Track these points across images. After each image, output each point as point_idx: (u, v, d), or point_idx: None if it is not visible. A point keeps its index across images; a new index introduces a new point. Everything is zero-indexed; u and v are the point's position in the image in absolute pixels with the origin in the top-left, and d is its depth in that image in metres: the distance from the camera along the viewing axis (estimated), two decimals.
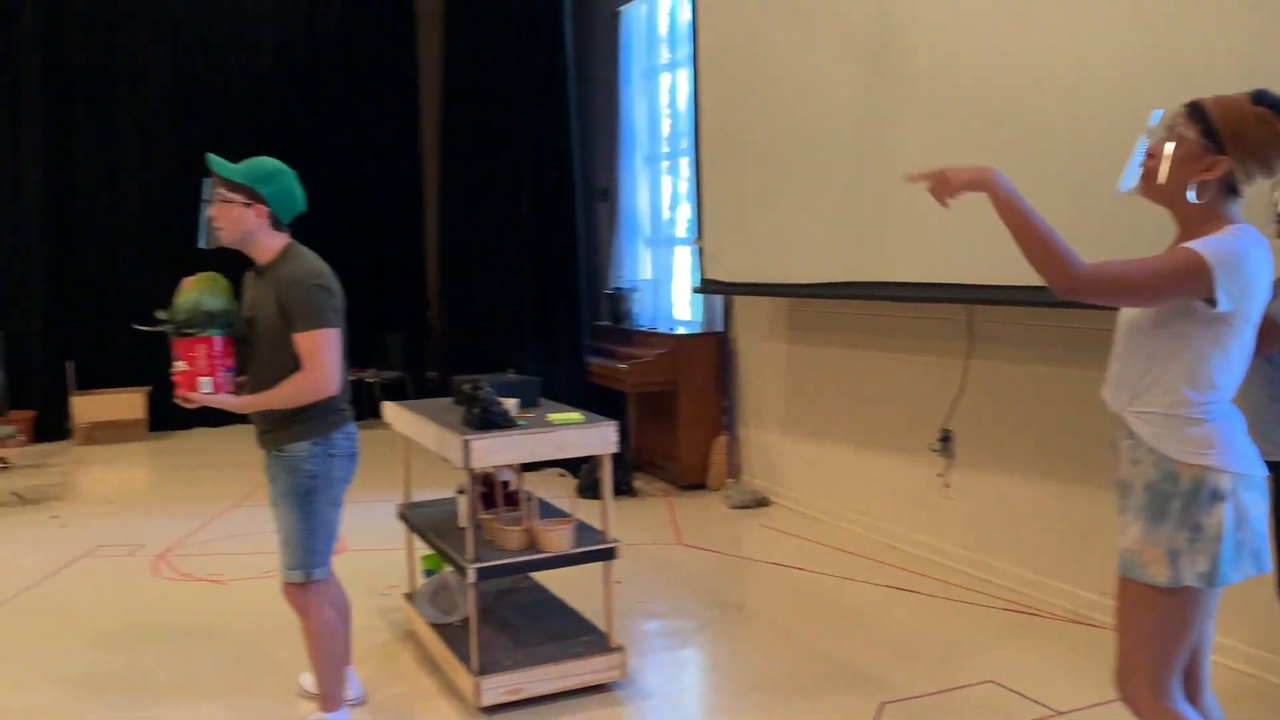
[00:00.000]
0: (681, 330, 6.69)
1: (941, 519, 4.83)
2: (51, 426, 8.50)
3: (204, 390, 2.82)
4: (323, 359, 2.84)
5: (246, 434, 9.75)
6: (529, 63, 7.18)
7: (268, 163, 2.95)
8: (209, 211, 2.91)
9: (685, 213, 6.95)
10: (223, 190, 2.88)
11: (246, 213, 2.88)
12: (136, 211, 8.85)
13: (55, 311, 8.65)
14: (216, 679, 3.67)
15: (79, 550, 5.36)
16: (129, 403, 8.53)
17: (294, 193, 2.96)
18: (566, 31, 7.02)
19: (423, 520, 3.86)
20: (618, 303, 7.24)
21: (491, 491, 3.78)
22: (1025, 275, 3.92)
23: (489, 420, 3.32)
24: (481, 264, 7.65)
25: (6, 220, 8.50)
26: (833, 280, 4.89)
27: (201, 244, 2.92)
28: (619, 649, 3.48)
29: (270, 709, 3.39)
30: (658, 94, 7.27)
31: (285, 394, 2.85)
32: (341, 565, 4.54)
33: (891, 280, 4.57)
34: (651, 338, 6.65)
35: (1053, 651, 3.74)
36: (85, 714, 3.40)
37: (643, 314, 7.27)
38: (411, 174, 9.56)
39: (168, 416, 8.77)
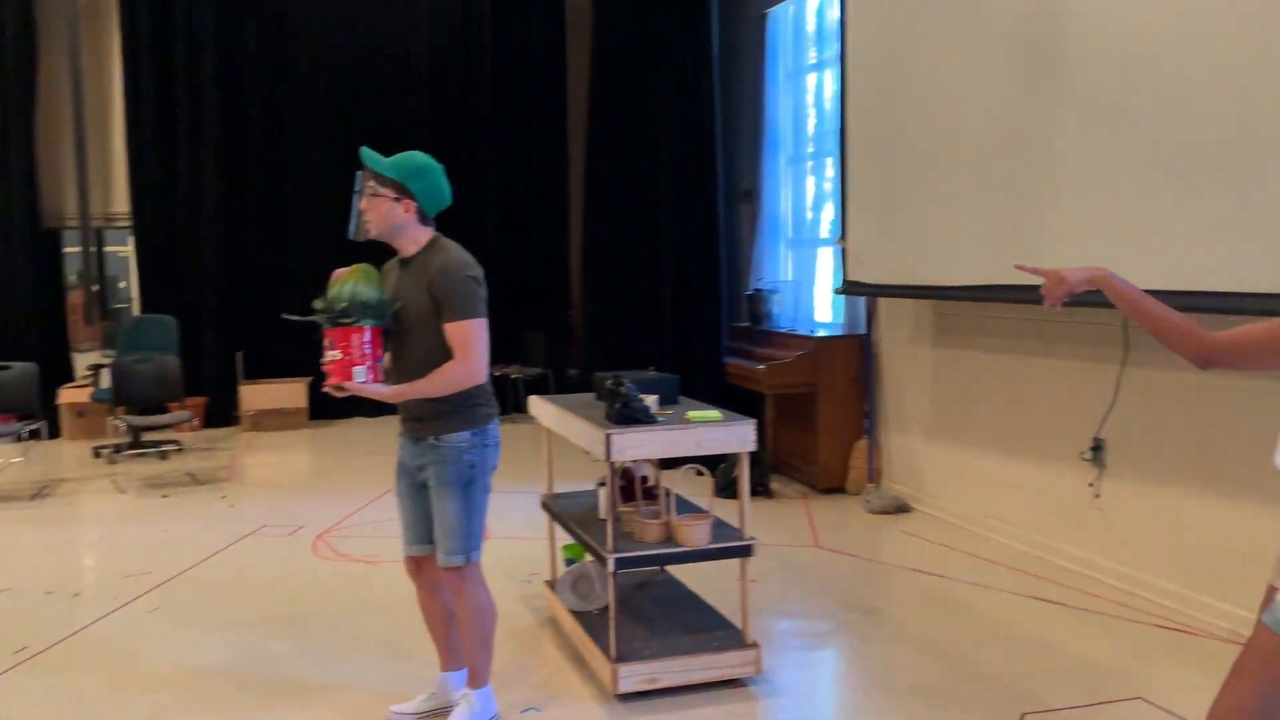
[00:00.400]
0: (822, 332, 6.65)
1: (1091, 531, 4.68)
2: (221, 413, 9.06)
3: (358, 379, 2.87)
4: (474, 348, 2.91)
5: (397, 425, 10.16)
6: (675, 64, 7.26)
7: (418, 158, 3.00)
8: (360, 204, 3.02)
9: (829, 213, 6.91)
10: (374, 184, 2.95)
11: (396, 207, 2.95)
12: (301, 212, 9.34)
13: (227, 305, 9.20)
14: (371, 650, 3.87)
15: (246, 528, 5.71)
16: (292, 392, 9.01)
17: (441, 188, 3.03)
18: (713, 33, 7.07)
19: (565, 511, 3.97)
20: (757, 304, 7.25)
21: (630, 485, 3.87)
22: (1183, 280, 3.79)
23: (630, 415, 3.40)
24: (623, 264, 7.77)
25: (186, 221, 9.09)
26: (983, 283, 4.80)
27: (351, 235, 3.07)
28: (754, 645, 3.51)
29: (421, 676, 3.55)
30: (804, 94, 7.25)
31: (437, 383, 2.92)
32: (487, 553, 4.72)
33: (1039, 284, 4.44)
34: (791, 339, 6.64)
35: (1207, 671, 3.58)
36: (254, 676, 3.64)
37: (782, 315, 7.26)
38: (558, 175, 9.79)
39: (327, 406, 9.24)
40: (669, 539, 3.49)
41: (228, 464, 7.53)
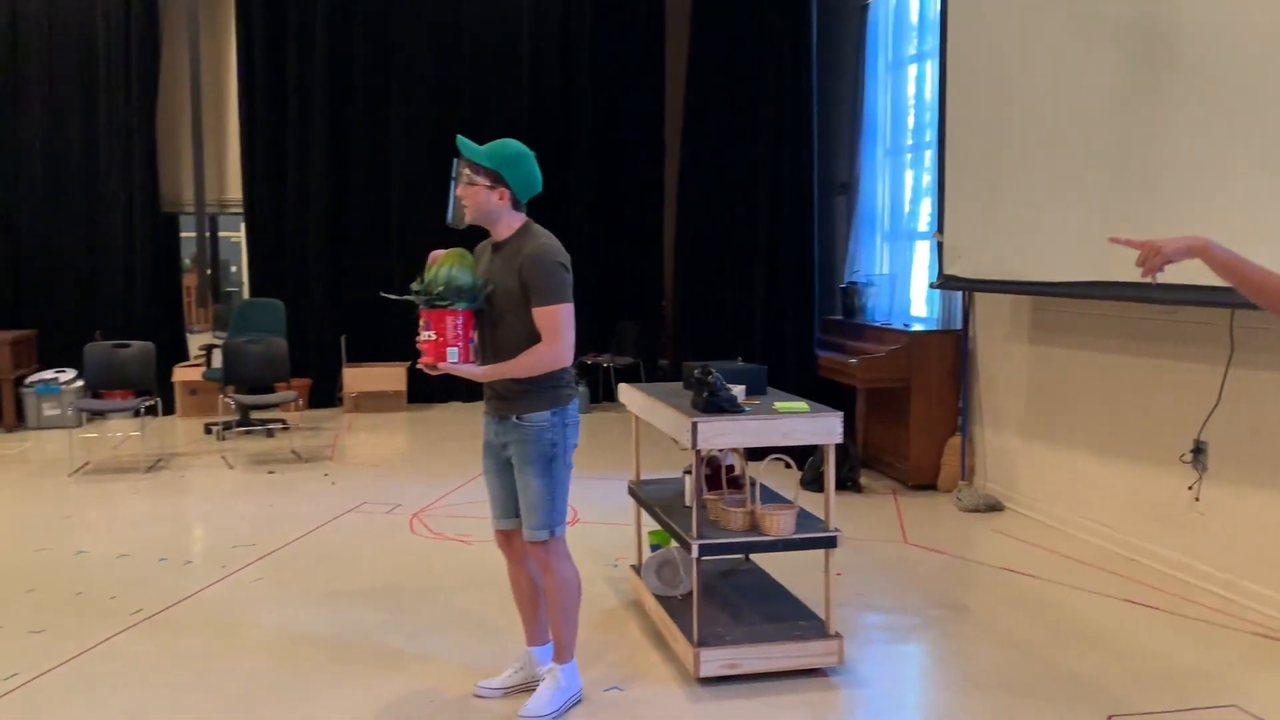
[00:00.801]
0: (917, 327, 6.59)
1: (1189, 535, 4.56)
2: (324, 394, 9.38)
3: (450, 359, 2.99)
4: (562, 332, 3.01)
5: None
6: (774, 56, 7.24)
7: (511, 146, 3.09)
8: (456, 191, 3.13)
9: (926, 207, 6.83)
10: (469, 172, 3.05)
11: (490, 194, 3.05)
12: (403, 199, 9.58)
13: (331, 290, 9.51)
14: (462, 625, 4.00)
15: (347, 505, 5.93)
16: (392, 375, 9.27)
17: (534, 176, 3.11)
18: (813, 24, 7.03)
19: (651, 497, 4.04)
20: (851, 297, 7.21)
21: (716, 474, 3.91)
22: None
23: (716, 404, 3.45)
24: (716, 255, 7.79)
25: (294, 207, 9.41)
26: (1086, 279, 4.70)
27: (449, 221, 3.18)
28: (837, 636, 3.53)
29: (509, 654, 3.65)
30: (904, 86, 7.18)
31: (526, 364, 3.02)
32: (576, 536, 4.81)
33: (1149, 280, 4.34)
34: (885, 333, 6.59)
35: None
36: (349, 645, 3.80)
37: (876, 309, 7.20)
38: (653, 166, 9.84)
39: (424, 390, 9.50)
40: (753, 527, 3.53)
41: (330, 443, 7.79)
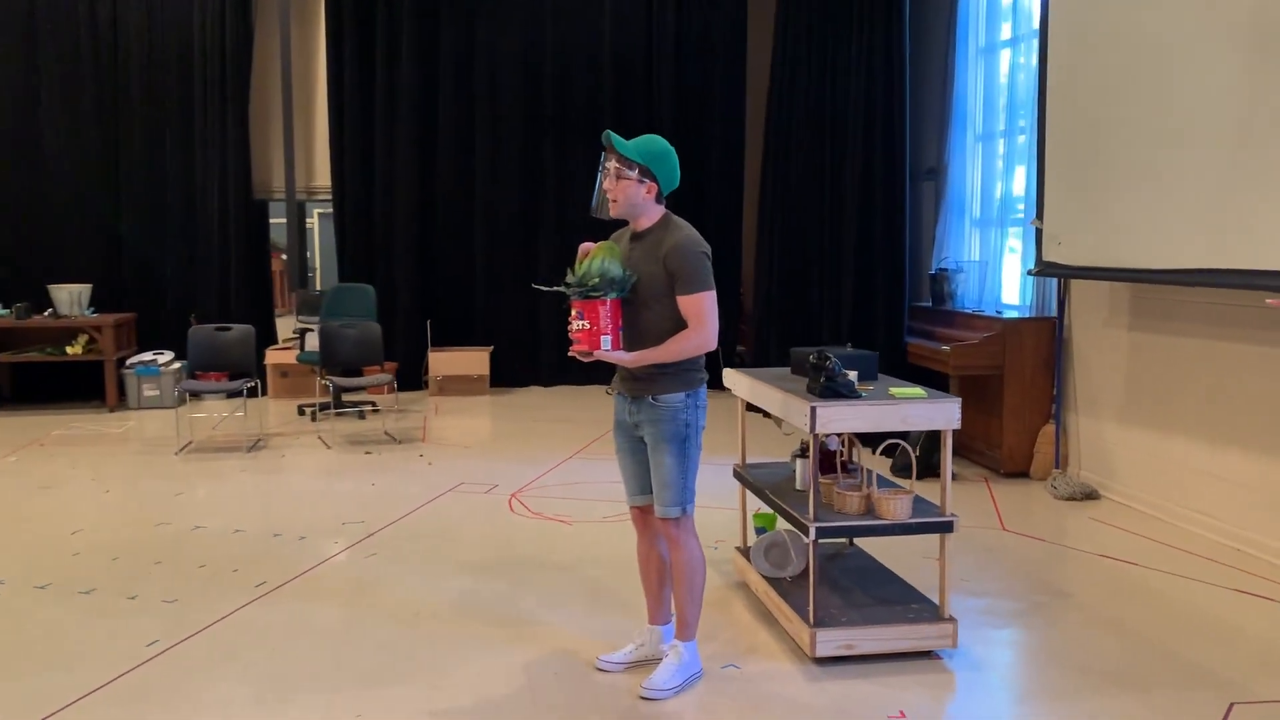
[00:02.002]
0: (1009, 314, 6.55)
1: None
2: (410, 378, 9.57)
3: (604, 347, 3.11)
4: (709, 319, 3.13)
5: (572, 394, 10.41)
6: (864, 41, 7.23)
7: (659, 142, 3.22)
8: (605, 184, 3.23)
9: (1019, 193, 6.78)
10: (620, 166, 3.16)
11: (639, 188, 3.17)
12: (486, 189, 9.72)
13: (418, 275, 9.68)
14: (577, 601, 4.10)
15: (446, 485, 6.07)
16: (476, 360, 9.43)
17: (677, 171, 3.25)
18: (905, 9, 7.00)
19: (759, 481, 4.10)
20: (940, 283, 7.19)
21: (826, 459, 3.96)
22: None
23: (833, 389, 3.49)
24: (800, 243, 7.81)
25: (382, 195, 9.60)
26: (1195, 266, 4.66)
27: (595, 213, 3.26)
28: (951, 619, 3.57)
29: (624, 631, 3.75)
30: (996, 71, 7.12)
31: (675, 349, 3.14)
32: None
33: (1258, 269, 4.30)
34: (976, 320, 6.57)
35: None
36: (472, 615, 3.92)
37: (965, 295, 7.17)
38: (732, 153, 9.84)
39: (507, 374, 9.65)
40: (868, 511, 3.58)
41: (420, 425, 7.97)
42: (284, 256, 12.29)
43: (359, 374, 8.49)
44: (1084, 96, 5.44)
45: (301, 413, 8.42)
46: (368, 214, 9.65)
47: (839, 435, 4.09)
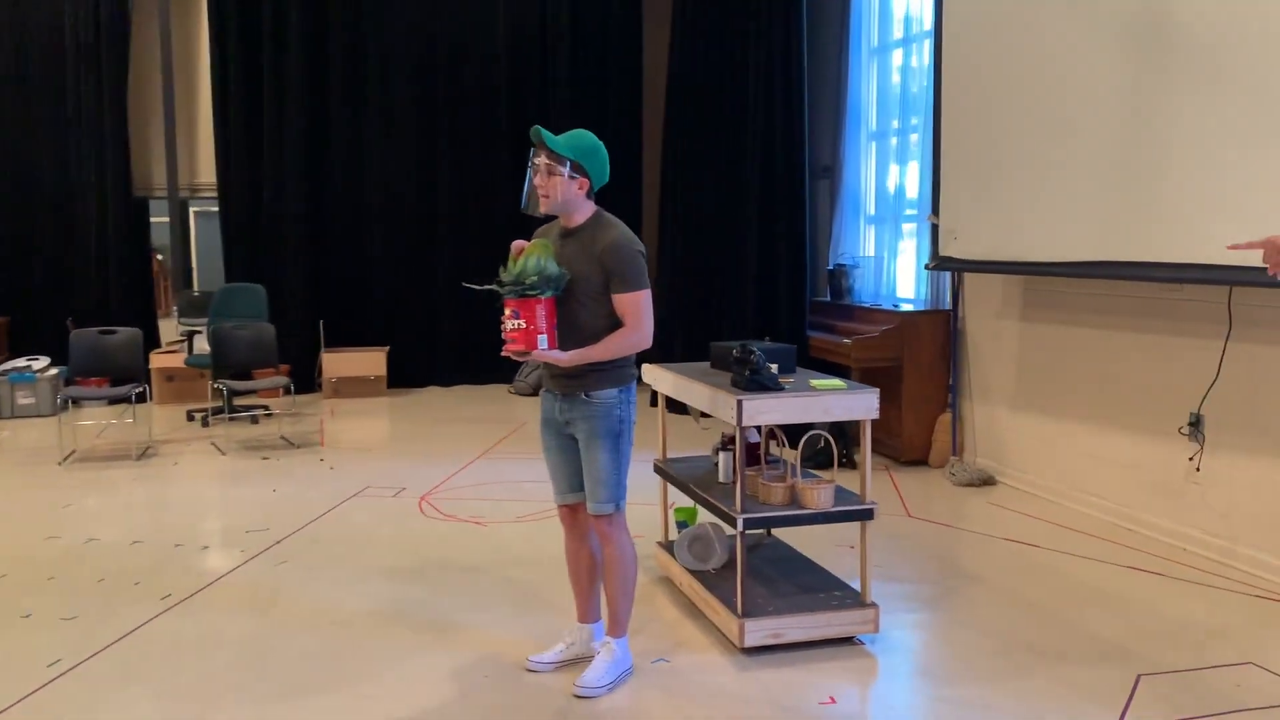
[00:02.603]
0: (906, 307, 6.74)
1: (1186, 504, 4.77)
2: (303, 380, 9.31)
3: (541, 346, 3.07)
4: (645, 316, 3.14)
5: (473, 393, 10.24)
6: (764, 40, 7.33)
7: (589, 137, 3.20)
8: (535, 180, 3.18)
9: (913, 189, 6.98)
10: (551, 162, 3.12)
11: (571, 184, 3.14)
12: (379, 186, 9.53)
13: (309, 274, 9.43)
14: (500, 602, 4.06)
15: (351, 489, 5.93)
16: (372, 360, 9.24)
17: (607, 167, 3.23)
18: (803, 6, 7.12)
19: (681, 475, 4.12)
20: (838, 279, 7.35)
21: (749, 451, 4.01)
22: None
23: (759, 382, 3.54)
24: (701, 239, 7.88)
25: (270, 191, 9.32)
26: (1087, 259, 4.87)
27: (524, 209, 3.23)
28: (873, 605, 3.66)
29: (551, 630, 3.72)
30: (889, 70, 7.31)
31: (612, 347, 3.14)
32: None
33: (1151, 260, 4.53)
34: (875, 314, 6.74)
35: None
36: (394, 620, 3.84)
37: (863, 290, 7.35)
38: (632, 146, 9.85)
39: (404, 374, 9.48)
40: (793, 501, 3.64)
41: (317, 429, 7.76)
42: (159, 257, 11.82)
43: (250, 377, 8.24)
44: (977, 94, 5.64)
45: (191, 418, 8.11)
46: (255, 211, 9.36)
47: (758, 428, 4.15)
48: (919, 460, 6.49)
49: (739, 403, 3.44)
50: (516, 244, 3.22)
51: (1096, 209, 4.82)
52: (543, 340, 3.08)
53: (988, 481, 6.02)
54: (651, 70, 9.72)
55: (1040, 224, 5.18)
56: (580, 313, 3.17)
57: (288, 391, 7.33)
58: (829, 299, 7.45)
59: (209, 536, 5.04)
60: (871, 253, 7.58)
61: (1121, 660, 3.52)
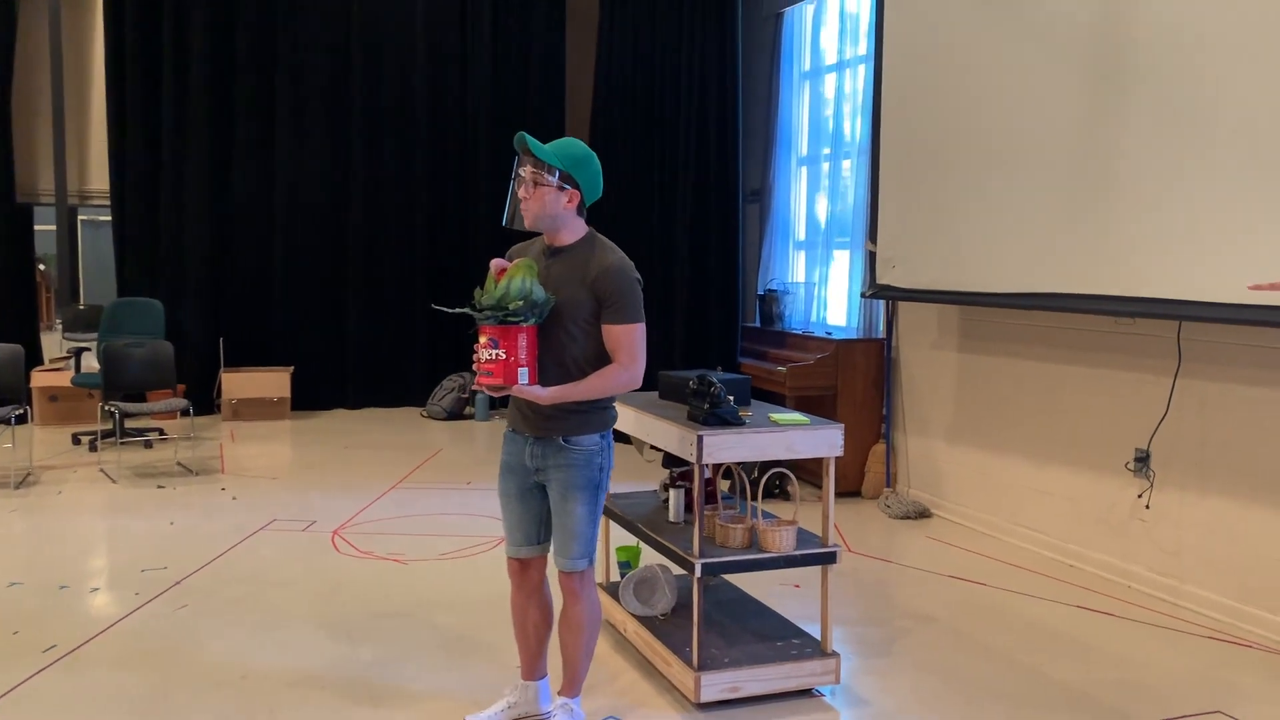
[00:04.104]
0: (837, 336, 6.61)
1: (1131, 540, 4.70)
2: (201, 401, 8.77)
3: (522, 380, 2.73)
4: (640, 352, 2.82)
5: (383, 417, 9.85)
6: (698, 57, 7.17)
7: (579, 146, 2.86)
8: (519, 192, 2.83)
9: (846, 216, 6.88)
10: (536, 171, 2.79)
11: (560, 196, 2.81)
12: (287, 197, 9.07)
13: (210, 290, 8.91)
14: (430, 652, 3.73)
15: (256, 522, 5.51)
16: (276, 381, 8.76)
17: (600, 179, 2.90)
18: (738, 32, 6.97)
19: (628, 513, 3.86)
20: (769, 304, 7.20)
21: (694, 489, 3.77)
22: (1244, 294, 3.80)
23: (719, 417, 3.31)
24: (631, 262, 7.67)
25: (169, 201, 8.78)
26: (1034, 290, 4.78)
27: (506, 223, 2.91)
28: (834, 654, 3.45)
29: (485, 684, 3.42)
30: (821, 95, 7.22)
31: (600, 385, 2.80)
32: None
33: (1100, 293, 4.45)
34: (808, 341, 6.59)
35: (1275, 686, 3.60)
36: (313, 677, 3.48)
37: (792, 317, 7.21)
38: None
39: (309, 396, 9.01)
40: (752, 544, 3.41)
41: (217, 454, 7.28)
42: (42, 267, 11.10)
43: (143, 398, 7.71)
44: (918, 121, 5.54)
45: (77, 442, 7.53)
46: (151, 220, 8.80)
47: (710, 465, 3.91)
48: (852, 491, 6.35)
49: (699, 438, 3.21)
50: (496, 263, 2.86)
51: (1045, 240, 4.74)
52: (523, 374, 2.73)
53: (923, 514, 5.91)
54: (576, 92, 9.51)
55: (985, 254, 5.09)
56: (564, 344, 2.83)
57: (186, 414, 6.82)
58: (758, 324, 7.30)
59: (98, 576, 4.59)
60: (801, 278, 7.46)
61: (1092, 712, 3.37)
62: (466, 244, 9.19)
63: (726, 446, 3.25)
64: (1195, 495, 4.40)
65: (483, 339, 2.74)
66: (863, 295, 6.14)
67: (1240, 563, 4.20)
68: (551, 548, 3.01)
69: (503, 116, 9.47)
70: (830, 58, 7.10)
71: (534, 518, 3.01)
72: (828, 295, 7.11)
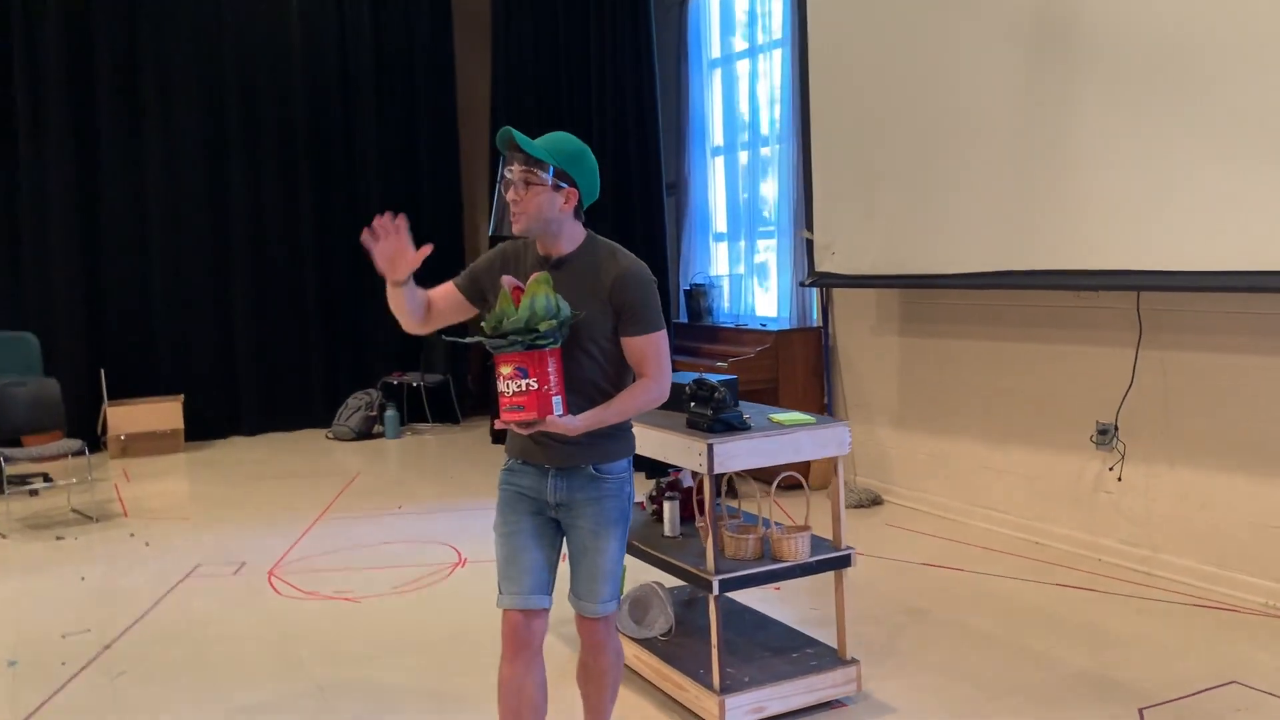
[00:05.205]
0: (770, 327, 6.50)
1: (1099, 514, 4.70)
2: (84, 439, 8.08)
3: (557, 411, 2.37)
4: (666, 363, 2.51)
5: (283, 442, 9.34)
6: (609, 52, 6.94)
7: (573, 141, 2.53)
8: (507, 195, 2.48)
9: (769, 205, 6.77)
10: (530, 171, 2.44)
11: (555, 198, 2.46)
12: (163, 217, 8.47)
13: (84, 318, 8.25)
14: (410, 707, 3.42)
15: (179, 569, 5.04)
16: (166, 411, 8.16)
17: (598, 177, 2.57)
18: (651, 22, 6.76)
19: None
20: (695, 299, 7.04)
21: (689, 498, 3.57)
22: (1221, 260, 3.82)
23: (726, 423, 3.11)
24: None
25: (32, 223, 8.08)
26: (984, 270, 4.74)
27: (493, 231, 2.58)
28: (854, 661, 3.29)
29: None
30: (734, 82, 7.08)
31: (632, 405, 2.48)
32: (467, 581, 4.32)
33: (1055, 269, 4.43)
34: (743, 335, 6.46)
35: (1272, 647, 3.61)
36: None
37: (719, 311, 7.07)
38: (447, 169, 9.26)
39: (198, 425, 8.42)
40: (764, 555, 3.22)
41: (113, 496, 6.70)
42: None
43: (18, 443, 7.04)
44: (851, 103, 5.45)
45: None
46: (14, 248, 8.08)
47: (693, 472, 3.71)
48: (795, 484, 6.24)
49: (709, 447, 3.00)
50: (507, 280, 2.46)
51: (993, 217, 4.69)
52: (558, 403, 2.38)
53: (875, 501, 5.84)
54: (469, 100, 9.19)
55: (929, 235, 5.03)
56: (585, 366, 2.49)
57: (80, 455, 6.22)
58: (685, 320, 7.13)
59: (13, 647, 4.09)
60: (721, 271, 7.33)
61: (1114, 695, 3.30)
62: (359, 252, 8.75)
63: (737, 454, 3.05)
64: (1163, 465, 4.42)
65: (505, 369, 2.38)
66: (801, 284, 6.03)
67: (1214, 529, 4.23)
68: (572, 591, 2.60)
69: (388, 119, 9.07)
70: (740, 45, 6.97)
71: (547, 559, 2.59)
72: (754, 286, 6.99)
